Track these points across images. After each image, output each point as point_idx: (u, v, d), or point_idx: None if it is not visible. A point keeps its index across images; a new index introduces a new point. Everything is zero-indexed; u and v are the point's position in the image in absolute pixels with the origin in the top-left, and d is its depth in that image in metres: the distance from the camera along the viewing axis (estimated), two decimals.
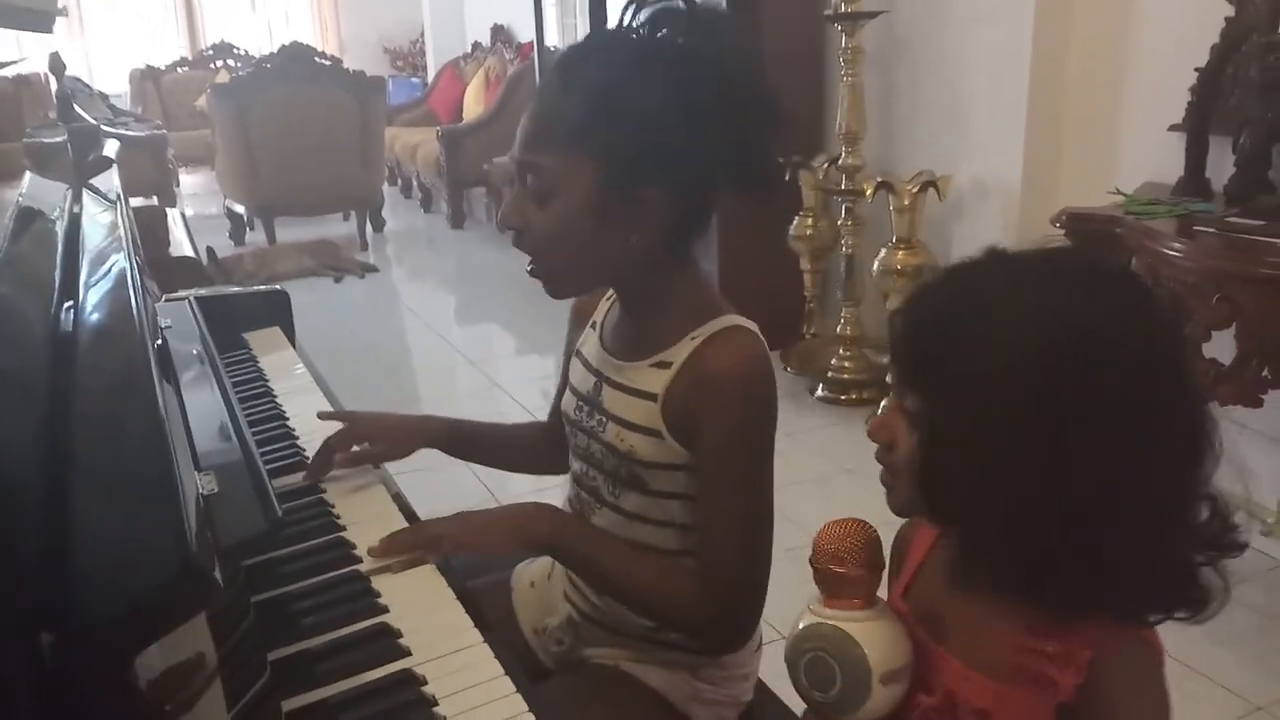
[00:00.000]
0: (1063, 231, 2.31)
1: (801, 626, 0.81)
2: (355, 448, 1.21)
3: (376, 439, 1.23)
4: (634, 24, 1.01)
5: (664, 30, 0.99)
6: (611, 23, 1.05)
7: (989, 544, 0.74)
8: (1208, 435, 0.71)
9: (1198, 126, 2.30)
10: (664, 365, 1.02)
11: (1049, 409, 0.68)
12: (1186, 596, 0.73)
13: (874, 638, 0.78)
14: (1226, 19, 2.31)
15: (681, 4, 1.00)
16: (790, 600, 0.88)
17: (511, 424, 1.40)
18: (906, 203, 2.93)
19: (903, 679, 0.79)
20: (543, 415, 1.29)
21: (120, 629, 0.49)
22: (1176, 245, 2.00)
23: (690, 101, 0.94)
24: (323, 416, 1.27)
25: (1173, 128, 2.45)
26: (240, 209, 6.03)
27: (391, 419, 1.28)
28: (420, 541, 1.02)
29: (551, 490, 1.46)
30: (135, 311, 0.88)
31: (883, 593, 0.85)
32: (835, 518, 0.83)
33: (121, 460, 0.63)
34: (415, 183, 7.38)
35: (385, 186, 6.53)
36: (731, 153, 0.98)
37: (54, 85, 1.92)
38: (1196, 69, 2.30)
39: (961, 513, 0.75)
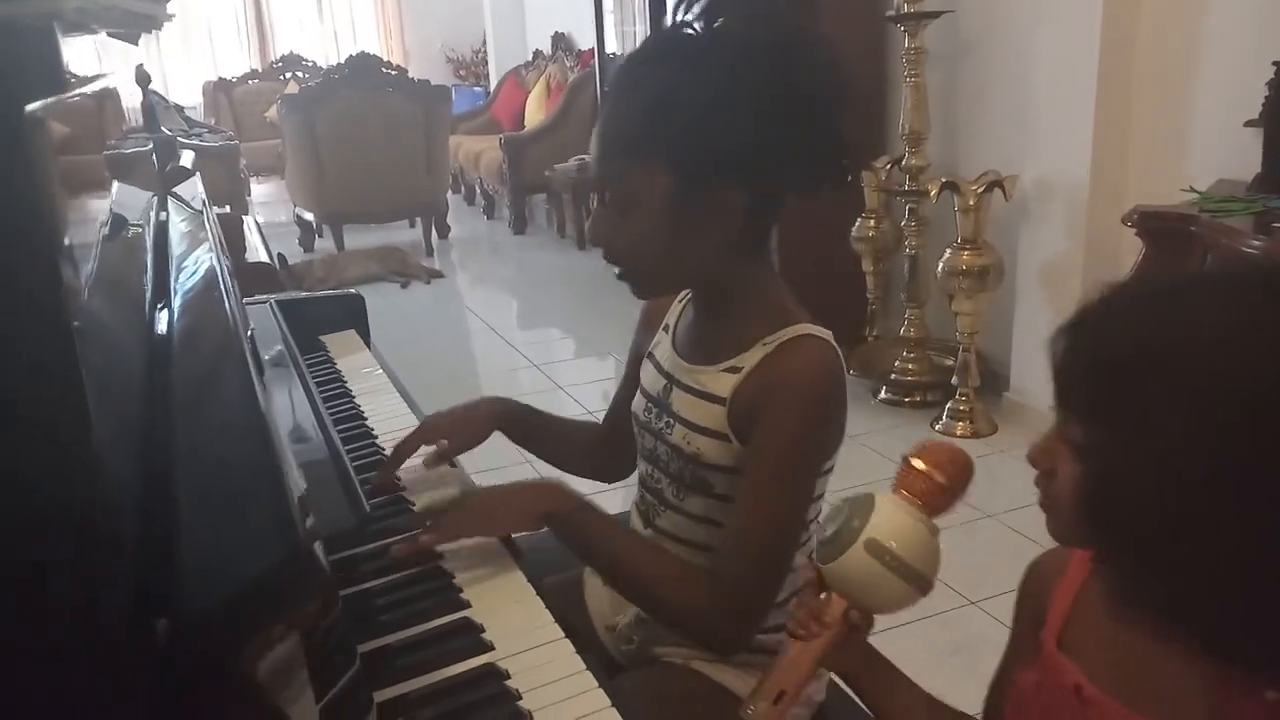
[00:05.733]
0: (1134, 230, 2.26)
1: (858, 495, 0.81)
2: (431, 446, 1.22)
3: (452, 434, 1.23)
4: (689, 18, 0.97)
5: (720, 20, 0.96)
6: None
7: (1179, 598, 0.65)
8: None
9: (1277, 121, 2.25)
10: (734, 370, 1.02)
11: (1263, 453, 0.60)
12: None
13: (892, 515, 0.78)
14: None
15: None
16: None
17: (574, 420, 1.40)
18: (972, 203, 2.89)
19: (893, 569, 0.77)
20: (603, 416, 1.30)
21: (232, 614, 0.51)
22: (1255, 243, 1.95)
23: (753, 93, 0.92)
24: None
25: (1249, 123, 2.39)
26: (309, 217, 6.14)
27: (460, 412, 1.27)
28: (441, 539, 1.02)
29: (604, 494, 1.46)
30: (228, 310, 0.92)
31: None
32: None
33: (227, 451, 0.65)
34: (478, 189, 7.46)
35: (449, 194, 6.61)
36: (805, 141, 0.95)
37: (140, 97, 1.98)
38: (1275, 62, 2.25)
39: (1140, 560, 0.66)
